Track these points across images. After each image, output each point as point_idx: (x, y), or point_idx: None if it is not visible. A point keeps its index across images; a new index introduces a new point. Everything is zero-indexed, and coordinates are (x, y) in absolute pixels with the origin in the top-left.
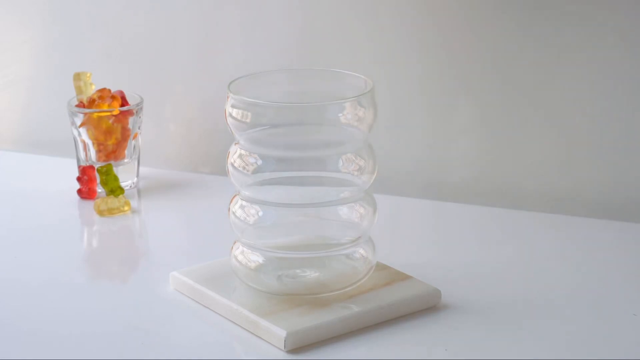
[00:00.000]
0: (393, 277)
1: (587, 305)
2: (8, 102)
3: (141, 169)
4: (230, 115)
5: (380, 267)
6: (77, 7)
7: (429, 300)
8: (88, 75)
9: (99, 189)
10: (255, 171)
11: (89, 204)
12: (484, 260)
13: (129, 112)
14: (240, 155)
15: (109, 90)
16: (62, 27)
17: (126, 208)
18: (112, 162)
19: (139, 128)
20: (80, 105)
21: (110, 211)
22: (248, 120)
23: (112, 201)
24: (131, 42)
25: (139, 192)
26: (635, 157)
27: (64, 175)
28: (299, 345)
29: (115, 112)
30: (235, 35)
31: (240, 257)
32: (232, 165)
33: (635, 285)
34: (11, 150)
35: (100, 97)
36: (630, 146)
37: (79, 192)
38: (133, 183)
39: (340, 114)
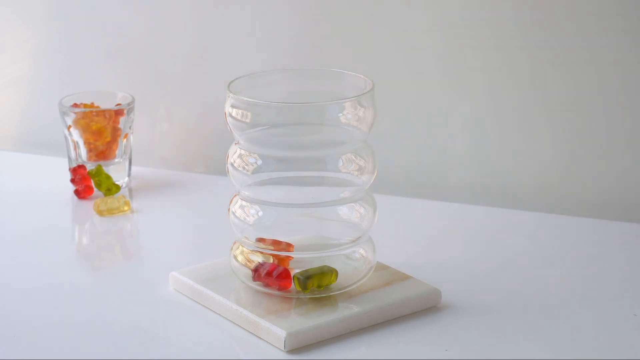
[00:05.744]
0: (393, 277)
1: (587, 305)
2: (8, 102)
3: (137, 168)
4: (230, 115)
5: (380, 267)
6: (76, 7)
7: (429, 300)
8: None
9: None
10: (255, 171)
11: (89, 204)
12: (484, 260)
13: (119, 112)
14: (240, 155)
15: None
16: (62, 27)
17: (126, 208)
18: (101, 162)
19: (129, 128)
20: (73, 105)
21: (110, 211)
22: (248, 120)
23: (112, 201)
24: (130, 42)
25: (130, 191)
26: (635, 157)
27: (64, 175)
28: (299, 345)
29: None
30: (235, 36)
31: (240, 257)
32: (232, 165)
33: (635, 285)
34: (11, 150)
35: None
36: (630, 146)
37: (76, 192)
38: (124, 183)
39: (340, 114)
